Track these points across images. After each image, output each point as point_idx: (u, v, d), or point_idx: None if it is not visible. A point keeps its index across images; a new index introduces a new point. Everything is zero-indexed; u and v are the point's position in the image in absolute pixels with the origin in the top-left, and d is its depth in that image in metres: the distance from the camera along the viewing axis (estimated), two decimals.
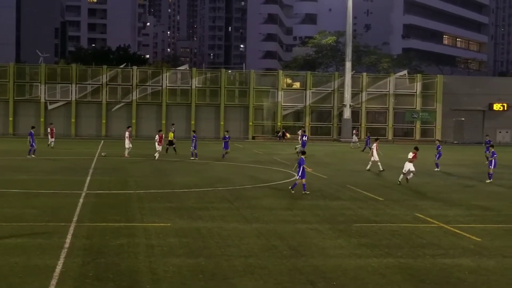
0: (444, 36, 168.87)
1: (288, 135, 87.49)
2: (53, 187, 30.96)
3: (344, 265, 16.65)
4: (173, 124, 67.20)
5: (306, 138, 56.28)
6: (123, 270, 15.69)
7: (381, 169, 42.36)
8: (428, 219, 24.01)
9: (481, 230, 22.08)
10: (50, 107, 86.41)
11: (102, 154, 49.63)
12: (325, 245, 19.11)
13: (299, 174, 30.27)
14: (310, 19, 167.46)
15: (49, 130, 58.66)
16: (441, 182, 37.54)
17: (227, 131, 53.88)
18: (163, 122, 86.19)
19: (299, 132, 62.95)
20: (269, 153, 58.21)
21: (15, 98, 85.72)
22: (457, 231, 21.74)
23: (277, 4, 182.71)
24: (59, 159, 47.82)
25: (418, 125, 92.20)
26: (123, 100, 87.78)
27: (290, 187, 30.92)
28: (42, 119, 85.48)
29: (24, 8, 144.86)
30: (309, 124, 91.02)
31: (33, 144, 48.31)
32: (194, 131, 52.22)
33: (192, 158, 48.47)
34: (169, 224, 21.62)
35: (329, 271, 16.09)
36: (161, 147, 48.65)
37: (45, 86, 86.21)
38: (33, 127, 52.66)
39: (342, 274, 15.81)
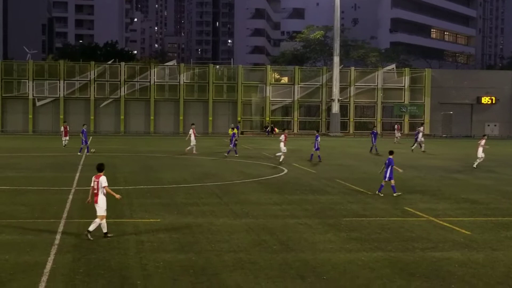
0: (432, 30, 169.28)
1: (276, 130, 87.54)
2: (42, 183, 30.88)
3: (334, 259, 16.69)
4: (239, 122, 67.57)
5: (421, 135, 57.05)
6: (114, 266, 15.68)
7: (475, 167, 41.88)
8: (417, 212, 24.09)
9: (470, 223, 22.17)
10: (38, 103, 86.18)
11: (92, 150, 49.50)
12: (314, 239, 19.14)
13: (387, 175, 28.27)
14: (298, 13, 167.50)
15: (62, 128, 57.15)
16: (429, 175, 37.63)
17: (318, 130, 53.25)
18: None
19: (421, 129, 60.81)
20: (258, 148, 58.22)
21: (3, 95, 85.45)
22: (446, 224, 21.82)
23: None
24: (48, 155, 47.67)
25: (406, 118, 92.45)
26: (111, 96, 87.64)
27: (377, 192, 28.74)
28: (30, 116, 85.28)
29: (10, 5, 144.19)
30: (298, 118, 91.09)
31: (86, 141, 49.59)
32: (233, 128, 52.22)
33: (226, 154, 48.59)
34: (158, 220, 21.60)
35: (319, 265, 16.12)
36: (286, 148, 44.34)
37: (33, 83, 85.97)
38: (84, 125, 53.51)
39: (332, 268, 15.84)
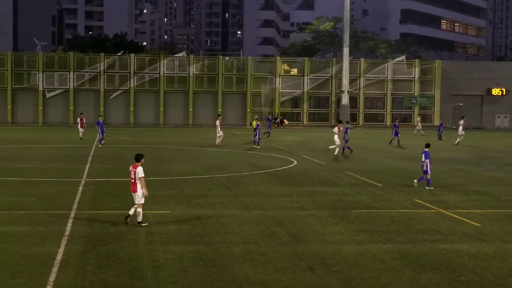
0: (442, 21, 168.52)
1: (286, 121, 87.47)
2: (52, 175, 30.98)
3: (344, 251, 16.68)
4: (269, 114, 68.92)
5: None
6: (124, 257, 15.71)
7: None
8: (427, 204, 24.04)
9: (480, 215, 22.11)
10: (48, 95, 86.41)
11: (102, 142, 49.58)
12: (324, 231, 19.13)
13: (428, 168, 27.96)
14: (307, 4, 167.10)
15: (78, 120, 56.67)
16: (439, 167, 37.51)
17: (348, 122, 53.24)
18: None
19: (461, 122, 59.70)
20: (268, 140, 58.18)
21: (13, 87, 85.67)
22: (456, 216, 21.77)
23: None
24: (58, 147, 47.80)
25: (416, 110, 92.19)
26: (121, 88, 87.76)
27: (427, 187, 27.98)
28: (40, 107, 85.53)
29: None
30: (307, 110, 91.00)
31: (102, 133, 49.20)
32: (257, 119, 52.89)
33: (254, 146, 48.90)
34: (168, 212, 21.64)
35: (329, 257, 16.12)
36: (339, 140, 43.27)
37: (43, 74, 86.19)
38: (100, 116, 53.37)
39: (342, 260, 15.83)
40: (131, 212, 19.31)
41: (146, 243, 17.13)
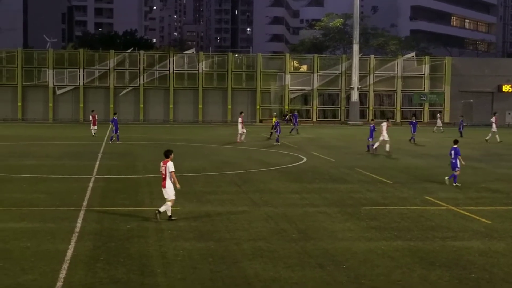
0: (452, 18, 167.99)
1: None
2: (62, 172, 31.05)
3: (354, 248, 16.66)
4: (292, 111, 70.28)
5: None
6: (134, 254, 15.75)
7: None
8: (437, 201, 23.98)
9: (490, 212, 22.04)
10: (58, 92, 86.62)
11: (112, 139, 49.68)
12: (334, 228, 19.12)
13: (458, 165, 27.75)
14: (317, 1, 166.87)
15: (91, 117, 56.50)
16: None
17: (414, 116, 53.58)
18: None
19: (493, 119, 57.65)
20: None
21: (23, 84, 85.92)
22: (466, 213, 21.71)
23: None
24: (68, 144, 47.92)
25: (426, 107, 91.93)
26: (130, 85, 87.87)
27: (452, 181, 27.88)
28: (50, 104, 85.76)
29: None
30: (317, 107, 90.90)
31: (117, 130, 49.17)
32: (275, 115, 53.37)
33: (278, 143, 49.01)
34: (178, 208, 21.63)
35: (339, 254, 16.11)
36: (387, 135, 43.33)
37: (53, 71, 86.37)
38: (115, 113, 53.50)
39: (352, 257, 15.82)
40: (162, 209, 19.59)
41: (156, 240, 17.17)
